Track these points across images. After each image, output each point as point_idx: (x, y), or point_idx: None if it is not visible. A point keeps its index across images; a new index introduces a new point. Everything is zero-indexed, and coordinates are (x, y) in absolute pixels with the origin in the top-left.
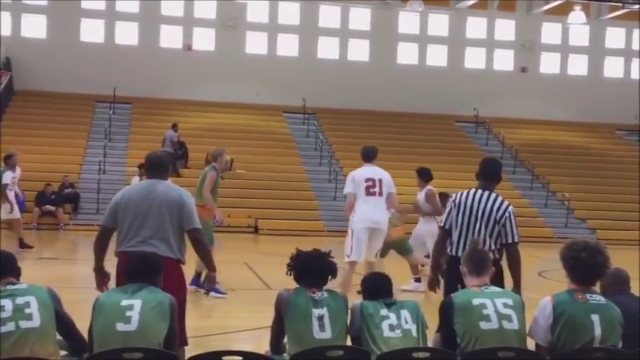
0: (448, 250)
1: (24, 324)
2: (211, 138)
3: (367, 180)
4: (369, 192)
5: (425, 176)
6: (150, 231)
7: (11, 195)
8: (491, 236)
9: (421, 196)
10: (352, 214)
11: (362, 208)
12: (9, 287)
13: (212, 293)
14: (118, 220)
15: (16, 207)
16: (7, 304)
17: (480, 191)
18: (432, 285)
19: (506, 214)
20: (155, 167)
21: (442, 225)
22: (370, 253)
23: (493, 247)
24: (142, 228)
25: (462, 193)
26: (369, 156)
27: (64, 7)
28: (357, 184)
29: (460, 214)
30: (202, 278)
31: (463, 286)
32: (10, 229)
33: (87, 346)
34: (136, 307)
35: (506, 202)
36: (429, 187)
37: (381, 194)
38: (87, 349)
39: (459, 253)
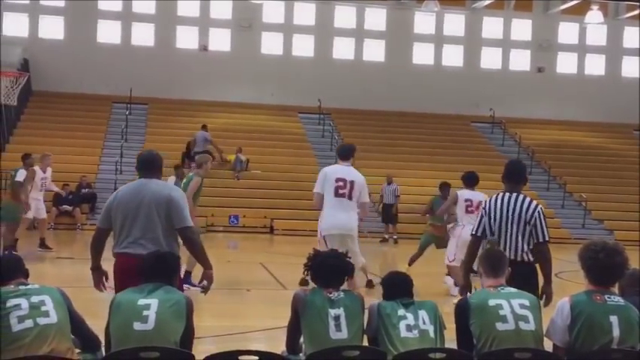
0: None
1: (42, 320)
2: (227, 138)
3: (338, 180)
4: (337, 193)
5: (469, 181)
6: (140, 231)
7: (42, 195)
8: (523, 238)
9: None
10: (320, 217)
11: (329, 211)
12: (22, 287)
13: (185, 286)
14: (112, 221)
15: (42, 206)
16: (23, 302)
17: (507, 194)
18: (464, 291)
19: (536, 214)
20: (146, 166)
21: (474, 232)
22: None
23: (526, 248)
24: (133, 228)
25: (491, 199)
26: (344, 154)
27: (81, 9)
28: (327, 183)
29: (492, 220)
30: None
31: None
32: (36, 228)
33: (99, 343)
34: (152, 307)
35: (534, 202)
36: (457, 191)
37: (350, 197)
38: (99, 345)
39: None
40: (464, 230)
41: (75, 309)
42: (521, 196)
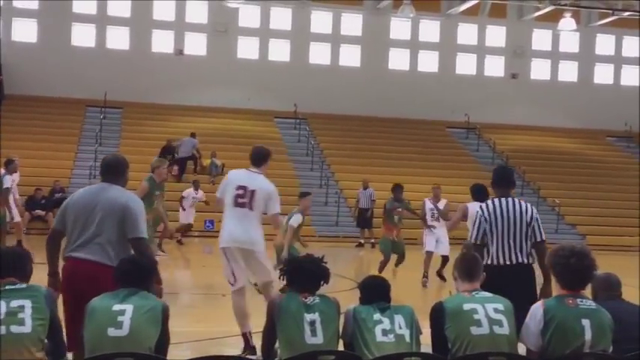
0: (486, 260)
1: (15, 329)
2: (203, 143)
3: (239, 188)
4: (237, 202)
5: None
6: (90, 236)
7: (11, 199)
8: (526, 240)
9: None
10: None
11: (226, 222)
12: (7, 287)
13: None
14: (65, 223)
15: (15, 211)
16: (2, 306)
17: (504, 199)
18: None
19: (534, 215)
20: (108, 170)
21: (475, 241)
22: (259, 276)
23: (529, 250)
24: (84, 232)
25: (487, 205)
26: (255, 159)
27: (55, 11)
28: (227, 190)
29: (493, 225)
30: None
31: (508, 296)
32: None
33: (65, 349)
34: (127, 312)
35: (529, 204)
36: (467, 204)
37: (251, 208)
38: (66, 352)
39: (501, 262)
40: None
41: (57, 314)
42: (515, 200)
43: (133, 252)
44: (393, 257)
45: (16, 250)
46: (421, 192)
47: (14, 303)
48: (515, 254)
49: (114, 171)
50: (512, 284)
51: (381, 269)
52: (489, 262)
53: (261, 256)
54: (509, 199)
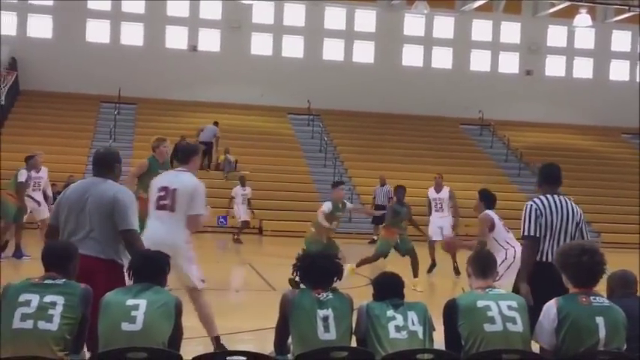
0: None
1: (42, 325)
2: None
3: (160, 189)
4: (158, 205)
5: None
6: (83, 230)
7: (39, 195)
8: (573, 238)
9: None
10: None
11: (148, 225)
12: (46, 282)
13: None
14: (59, 218)
15: (44, 208)
16: (34, 299)
17: (555, 196)
18: (529, 298)
19: (582, 214)
20: (98, 164)
21: (529, 234)
22: (183, 279)
23: None
24: (77, 227)
25: (541, 201)
26: (181, 156)
27: (70, 8)
28: (151, 193)
29: (548, 221)
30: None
31: (559, 293)
32: (42, 228)
33: (81, 348)
34: (141, 307)
35: (575, 204)
36: (486, 212)
37: (173, 209)
38: (80, 350)
39: (550, 259)
40: (515, 251)
41: (88, 313)
42: (566, 198)
43: (125, 244)
44: (402, 260)
45: (62, 245)
46: None
47: (47, 298)
48: None
49: (104, 164)
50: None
51: (361, 263)
52: (541, 258)
53: (185, 258)
54: (561, 197)
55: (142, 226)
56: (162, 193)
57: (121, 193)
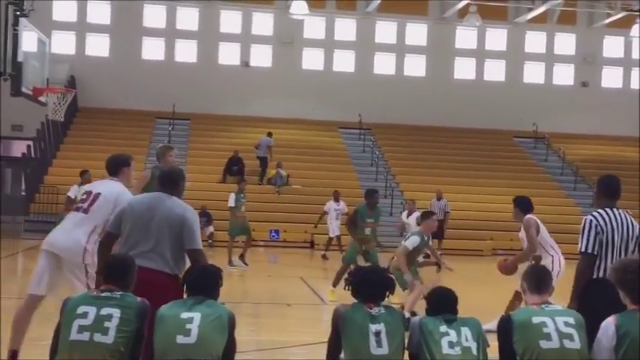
0: (597, 274)
1: (98, 337)
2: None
3: (84, 193)
4: (77, 207)
5: (522, 205)
6: (149, 244)
7: None
8: (633, 252)
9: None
10: None
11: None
12: (103, 294)
13: None
14: (121, 228)
15: None
16: (91, 311)
17: (615, 210)
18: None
19: None
20: (166, 182)
21: (586, 250)
22: (40, 285)
23: None
24: (142, 240)
25: (601, 215)
26: (108, 167)
27: (127, 27)
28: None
29: (609, 237)
30: None
31: (616, 310)
32: None
33: None
34: (195, 320)
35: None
36: (529, 215)
37: (86, 211)
38: None
39: (606, 275)
40: (560, 259)
41: (144, 329)
42: (624, 212)
43: (190, 262)
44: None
45: (121, 258)
46: (487, 202)
47: (104, 311)
48: None
49: (168, 183)
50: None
51: (338, 277)
52: (598, 275)
53: (73, 267)
54: (620, 211)
55: None
56: (84, 196)
57: (189, 212)
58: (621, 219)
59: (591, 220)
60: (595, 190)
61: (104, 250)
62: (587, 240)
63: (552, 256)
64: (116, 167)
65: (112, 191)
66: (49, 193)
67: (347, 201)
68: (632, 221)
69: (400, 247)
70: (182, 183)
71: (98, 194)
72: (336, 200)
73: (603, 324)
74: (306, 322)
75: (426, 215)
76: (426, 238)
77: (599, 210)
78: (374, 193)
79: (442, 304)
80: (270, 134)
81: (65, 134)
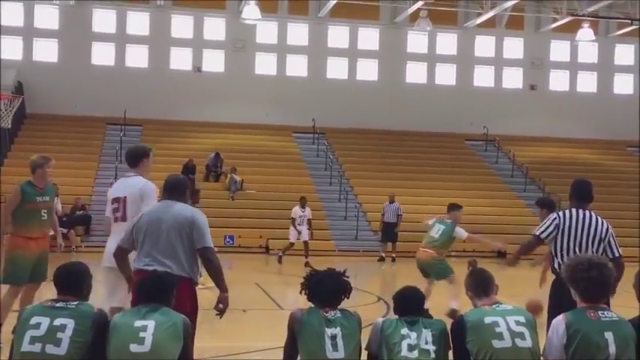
0: (556, 273)
1: (50, 349)
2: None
3: (114, 200)
4: (115, 218)
5: (549, 206)
6: (162, 250)
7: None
8: (599, 252)
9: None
10: None
11: (109, 239)
12: (57, 305)
13: None
14: (133, 241)
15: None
16: (44, 322)
17: (580, 211)
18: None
19: (609, 231)
20: (172, 189)
21: (538, 234)
22: (109, 299)
23: None
24: (155, 247)
25: (564, 214)
26: (129, 160)
27: (75, 31)
28: (107, 206)
29: (565, 235)
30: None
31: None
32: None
33: None
34: (149, 329)
35: (604, 220)
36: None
37: (125, 219)
38: None
39: None
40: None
41: (101, 338)
42: (592, 214)
43: (202, 261)
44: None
45: (74, 266)
46: (440, 205)
47: (57, 321)
48: None
49: (175, 190)
50: None
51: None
52: (558, 274)
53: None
54: (586, 212)
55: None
56: (115, 205)
57: (197, 213)
58: (584, 220)
59: (554, 217)
60: (569, 192)
61: (119, 261)
62: (543, 228)
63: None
64: (136, 159)
65: (133, 189)
66: None
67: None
68: (599, 223)
69: (459, 232)
70: (187, 190)
71: (124, 198)
72: (302, 207)
73: (554, 322)
74: (262, 328)
75: (454, 207)
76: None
77: (566, 209)
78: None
79: (407, 304)
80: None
81: (12, 142)
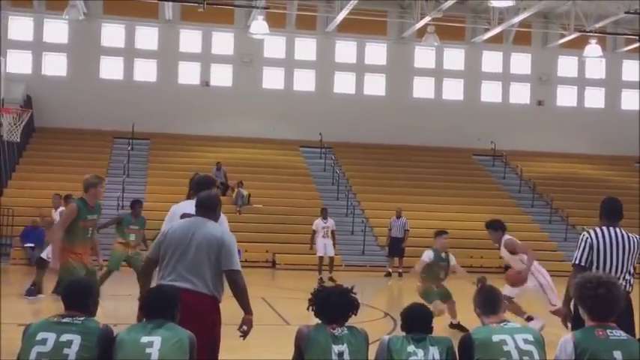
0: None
1: None
2: (229, 173)
3: (184, 215)
4: None
5: (496, 228)
6: (187, 267)
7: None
8: (628, 270)
9: (504, 252)
10: None
11: None
12: (64, 320)
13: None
14: (160, 254)
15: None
16: (50, 338)
17: (612, 229)
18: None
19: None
20: (202, 206)
21: (578, 263)
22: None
23: (632, 280)
24: (180, 263)
25: (596, 232)
26: (196, 185)
27: (84, 46)
28: (174, 220)
29: (599, 252)
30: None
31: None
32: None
33: None
34: (155, 344)
35: (634, 236)
36: (506, 236)
37: None
38: None
39: None
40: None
41: (107, 355)
42: (623, 230)
43: (228, 283)
44: None
45: (81, 282)
46: (447, 220)
47: (64, 337)
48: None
49: (205, 207)
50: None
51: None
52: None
53: None
54: (618, 230)
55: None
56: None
57: (227, 234)
58: (616, 237)
59: (586, 238)
60: (599, 210)
61: (145, 274)
62: (579, 253)
63: (541, 274)
64: (203, 183)
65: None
66: (4, 215)
67: (308, 220)
68: (631, 240)
69: (416, 264)
70: (219, 208)
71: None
72: (324, 218)
73: (562, 341)
74: (269, 343)
75: (439, 233)
76: (443, 256)
77: (596, 228)
78: (137, 204)
79: (414, 321)
80: (218, 165)
81: (21, 155)
